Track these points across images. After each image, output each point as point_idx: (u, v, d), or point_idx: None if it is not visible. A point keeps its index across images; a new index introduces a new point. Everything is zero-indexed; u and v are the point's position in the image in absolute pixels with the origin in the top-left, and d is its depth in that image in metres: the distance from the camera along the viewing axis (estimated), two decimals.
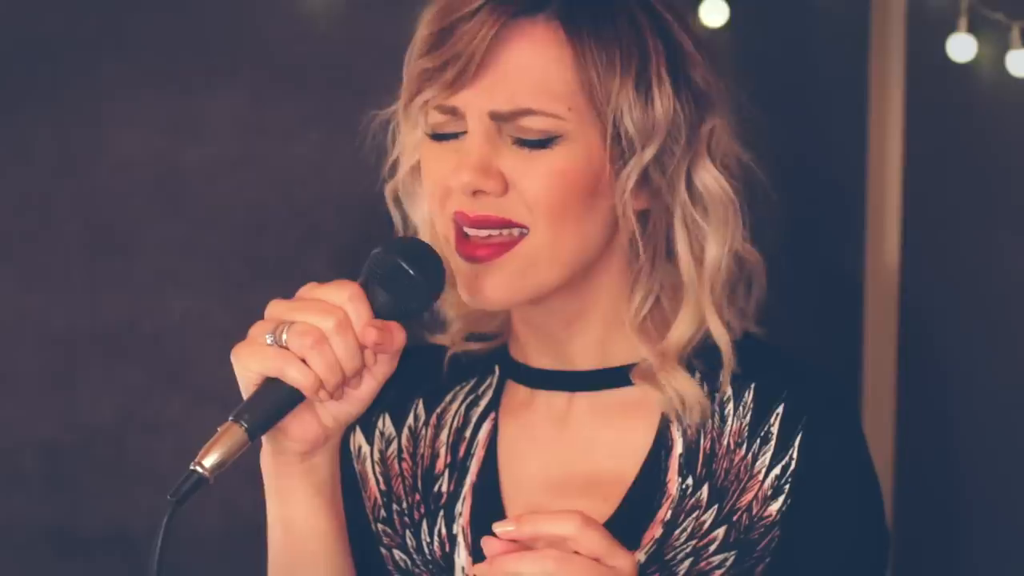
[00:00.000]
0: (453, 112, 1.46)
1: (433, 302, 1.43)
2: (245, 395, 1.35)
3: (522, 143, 1.44)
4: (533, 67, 1.45)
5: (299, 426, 1.38)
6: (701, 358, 1.53)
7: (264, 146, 2.31)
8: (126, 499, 2.29)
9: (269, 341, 1.33)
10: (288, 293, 1.40)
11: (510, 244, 1.45)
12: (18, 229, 2.27)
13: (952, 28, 2.39)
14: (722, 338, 1.52)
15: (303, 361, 1.32)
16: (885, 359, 2.48)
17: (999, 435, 2.42)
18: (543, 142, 1.44)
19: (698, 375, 1.52)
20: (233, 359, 1.36)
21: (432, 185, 1.49)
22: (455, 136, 1.47)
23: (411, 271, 1.36)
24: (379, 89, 2.33)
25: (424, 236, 1.57)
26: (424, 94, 1.47)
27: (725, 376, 1.52)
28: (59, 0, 2.27)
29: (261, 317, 1.39)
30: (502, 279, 1.46)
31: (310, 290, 1.36)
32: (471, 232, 1.46)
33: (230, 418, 1.32)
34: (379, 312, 1.35)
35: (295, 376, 1.32)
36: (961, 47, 2.39)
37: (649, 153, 1.46)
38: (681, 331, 1.52)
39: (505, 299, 1.48)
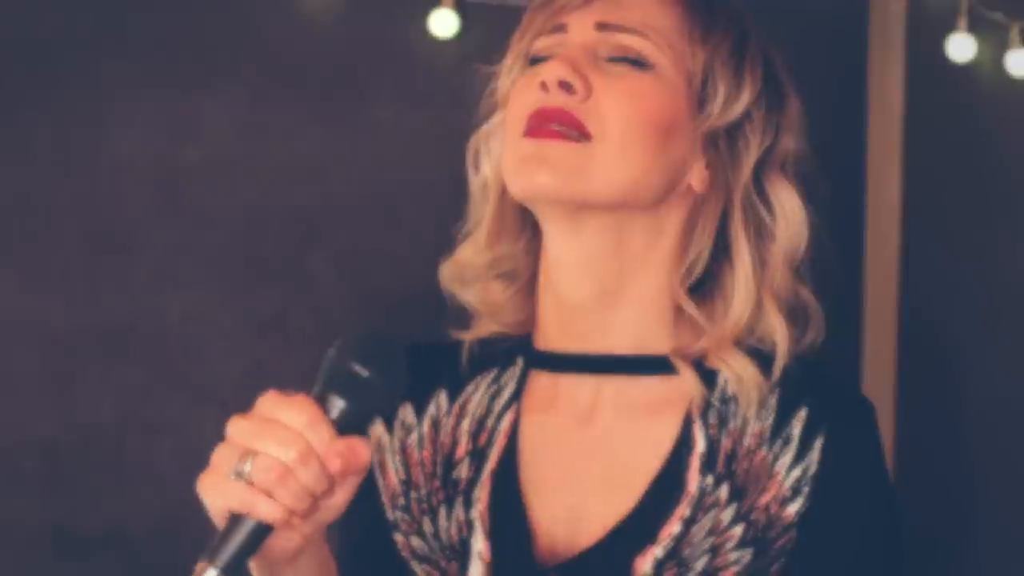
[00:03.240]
0: (560, 30, 1.51)
1: (398, 401, 1.38)
2: (217, 525, 1.33)
3: (616, 60, 1.49)
4: (644, 4, 1.51)
5: (278, 543, 1.37)
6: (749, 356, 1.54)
7: (264, 146, 2.31)
8: (126, 499, 2.29)
9: (234, 476, 1.31)
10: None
11: (575, 141, 1.48)
12: (18, 229, 2.27)
13: (952, 28, 2.39)
14: (778, 325, 1.53)
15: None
16: (885, 360, 2.48)
17: (1001, 434, 2.42)
18: (636, 63, 1.49)
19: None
20: (200, 493, 1.33)
21: (518, 103, 1.52)
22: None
23: (365, 373, 1.29)
24: (379, 89, 2.34)
25: (491, 186, 1.57)
26: (536, 22, 1.51)
27: (778, 365, 1.53)
28: (59, 0, 2.27)
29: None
30: (556, 167, 1.47)
31: (270, 409, 1.32)
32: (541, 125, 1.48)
33: (203, 559, 1.29)
34: (340, 423, 1.30)
35: (264, 512, 1.30)
36: (961, 47, 2.39)
37: (728, 115, 1.50)
38: (738, 312, 1.53)
39: (552, 187, 1.48)
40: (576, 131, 1.48)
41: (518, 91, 1.53)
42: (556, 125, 1.49)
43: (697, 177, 1.53)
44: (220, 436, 1.32)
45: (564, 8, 1.52)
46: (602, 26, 1.50)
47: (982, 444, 2.44)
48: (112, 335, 2.29)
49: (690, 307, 1.54)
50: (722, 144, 1.53)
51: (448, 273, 1.59)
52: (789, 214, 1.55)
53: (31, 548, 2.28)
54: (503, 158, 1.52)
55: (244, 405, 1.36)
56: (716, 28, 1.52)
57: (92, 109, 2.28)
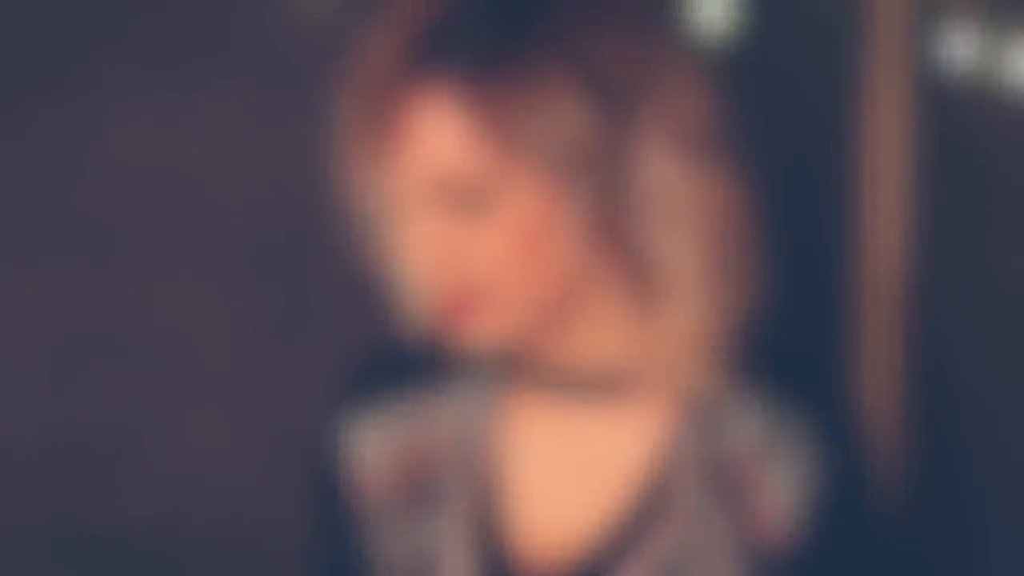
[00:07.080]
0: (396, 195, 1.50)
1: None
2: None
3: (465, 211, 1.47)
4: (448, 134, 1.48)
5: None
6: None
7: (264, 146, 2.31)
8: (126, 499, 2.29)
9: None
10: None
11: (486, 300, 1.48)
12: (18, 229, 2.27)
13: (952, 28, 2.39)
14: (713, 324, 1.53)
15: None
16: (885, 362, 2.48)
17: (1005, 438, 2.42)
18: (482, 204, 1.47)
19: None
20: None
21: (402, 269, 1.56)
22: (408, 216, 1.50)
23: None
24: None
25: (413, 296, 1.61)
26: (362, 173, 1.52)
27: (726, 362, 1.53)
28: (59, 0, 2.27)
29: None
30: (486, 330, 1.51)
31: None
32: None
33: None
34: None
35: None
36: (961, 47, 2.39)
37: (586, 174, 1.47)
38: (674, 320, 1.53)
39: (495, 342, 1.52)
40: (485, 302, 1.50)
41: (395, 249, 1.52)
42: (467, 306, 1.51)
43: (597, 217, 1.53)
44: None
45: (383, 166, 1.51)
46: (434, 187, 1.49)
47: (987, 450, 2.43)
48: (112, 335, 2.29)
49: (639, 333, 1.55)
50: (599, 186, 1.52)
51: None
52: (676, 190, 1.53)
53: (30, 548, 2.28)
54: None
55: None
56: (521, 107, 1.46)
57: (92, 109, 2.28)
